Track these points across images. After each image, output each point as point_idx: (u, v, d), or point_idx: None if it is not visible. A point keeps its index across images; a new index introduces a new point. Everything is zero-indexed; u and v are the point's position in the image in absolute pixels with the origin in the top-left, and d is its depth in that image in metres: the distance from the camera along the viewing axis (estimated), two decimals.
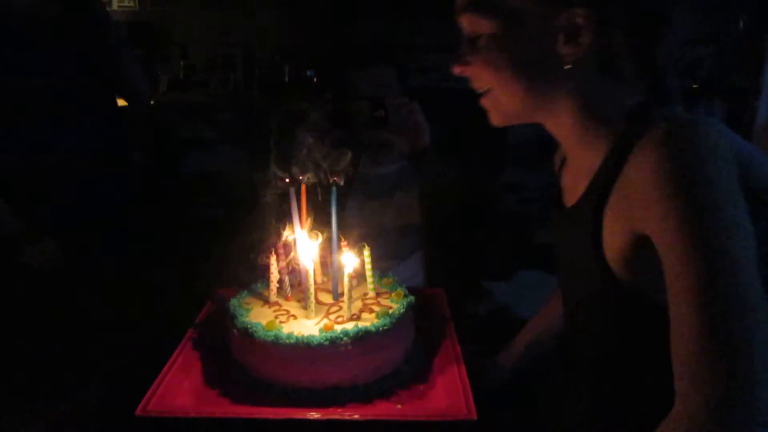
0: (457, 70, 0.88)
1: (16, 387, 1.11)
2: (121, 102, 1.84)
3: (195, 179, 3.10)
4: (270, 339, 0.93)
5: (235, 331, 0.99)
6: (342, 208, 1.41)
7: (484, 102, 0.90)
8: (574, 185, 0.90)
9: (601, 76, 0.81)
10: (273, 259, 1.07)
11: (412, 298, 1.07)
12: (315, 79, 3.34)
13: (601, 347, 0.90)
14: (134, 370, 1.09)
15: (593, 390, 0.95)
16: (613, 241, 0.78)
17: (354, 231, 1.57)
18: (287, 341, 0.92)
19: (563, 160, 1.00)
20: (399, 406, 0.92)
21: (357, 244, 1.11)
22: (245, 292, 1.12)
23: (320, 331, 0.95)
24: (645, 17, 0.78)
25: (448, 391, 0.95)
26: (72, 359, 1.16)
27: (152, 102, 3.50)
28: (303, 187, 1.09)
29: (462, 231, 1.74)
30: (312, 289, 1.02)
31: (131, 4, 3.94)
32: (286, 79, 3.58)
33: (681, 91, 0.83)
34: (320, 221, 1.12)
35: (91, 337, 1.22)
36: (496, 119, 0.90)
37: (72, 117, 1.62)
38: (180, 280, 1.44)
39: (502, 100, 0.87)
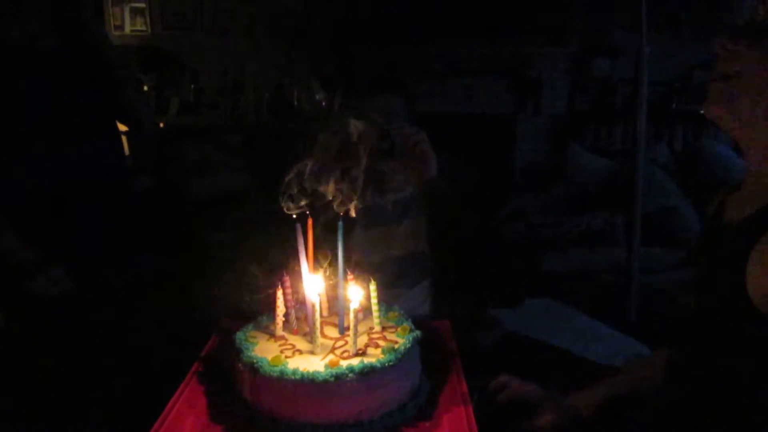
0: (721, 43, 0.78)
1: (20, 423, 1.11)
2: (123, 127, 1.86)
3: (203, 202, 3.11)
4: (275, 374, 0.93)
5: (240, 365, 0.99)
6: (348, 237, 1.41)
7: (718, 85, 0.80)
8: (741, 204, 0.86)
9: None
10: (279, 293, 1.07)
11: (418, 332, 1.06)
12: (323, 104, 3.38)
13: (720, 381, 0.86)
14: (139, 404, 1.08)
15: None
16: (756, 275, 0.76)
17: (361, 259, 1.56)
18: (292, 377, 0.92)
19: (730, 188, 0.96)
20: None
21: (363, 276, 1.10)
22: (251, 325, 1.11)
23: (325, 366, 0.94)
24: None
25: (453, 429, 0.94)
26: (75, 394, 1.16)
27: (161, 125, 3.54)
28: (310, 221, 1.09)
29: (469, 258, 1.73)
30: (318, 324, 1.02)
31: (143, 28, 4.02)
32: (295, 102, 3.61)
33: None
34: (325, 251, 1.12)
35: (95, 370, 1.21)
36: (716, 109, 0.82)
37: (72, 144, 1.63)
38: (185, 306, 1.44)
39: (743, 92, 0.78)
